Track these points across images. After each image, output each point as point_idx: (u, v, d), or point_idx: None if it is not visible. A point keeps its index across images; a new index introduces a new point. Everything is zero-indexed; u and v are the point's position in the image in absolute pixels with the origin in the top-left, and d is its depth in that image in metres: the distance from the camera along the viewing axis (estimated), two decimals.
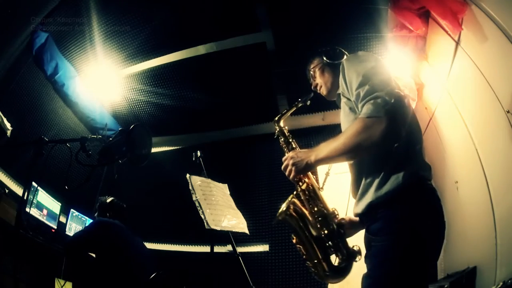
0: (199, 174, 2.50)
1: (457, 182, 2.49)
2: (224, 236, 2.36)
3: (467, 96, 2.35)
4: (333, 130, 3.95)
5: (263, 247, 3.72)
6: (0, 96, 2.84)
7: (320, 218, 1.27)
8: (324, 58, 1.52)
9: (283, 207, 1.28)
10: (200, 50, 3.37)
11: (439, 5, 2.24)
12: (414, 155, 1.18)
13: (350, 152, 1.14)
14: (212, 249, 2.42)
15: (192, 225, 2.62)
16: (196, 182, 2.35)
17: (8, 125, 2.50)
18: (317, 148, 1.23)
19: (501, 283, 1.68)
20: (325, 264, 1.21)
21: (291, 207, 1.28)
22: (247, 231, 2.42)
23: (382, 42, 3.01)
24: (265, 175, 4.04)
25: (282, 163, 1.32)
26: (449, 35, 2.35)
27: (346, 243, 1.24)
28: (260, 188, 4.01)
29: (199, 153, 2.66)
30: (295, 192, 1.33)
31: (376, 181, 1.14)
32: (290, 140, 1.53)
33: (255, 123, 4.29)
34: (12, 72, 2.96)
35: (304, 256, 1.27)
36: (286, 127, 1.58)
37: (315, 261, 1.23)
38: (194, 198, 2.23)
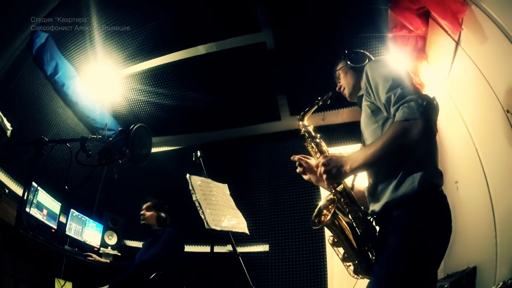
0: (199, 174, 2.50)
1: (457, 182, 2.49)
2: (224, 236, 2.36)
3: (467, 96, 2.35)
4: (333, 130, 3.96)
5: (263, 247, 3.72)
6: (0, 96, 2.84)
7: (356, 218, 1.28)
8: (348, 62, 1.58)
9: (326, 213, 1.30)
10: (200, 50, 3.37)
11: (439, 5, 2.24)
12: (430, 161, 1.22)
13: (389, 157, 1.18)
14: (212, 249, 2.43)
15: (192, 225, 2.62)
16: (196, 182, 2.35)
17: (8, 125, 2.50)
18: (352, 156, 1.24)
19: (501, 283, 1.68)
20: (364, 262, 1.25)
21: (337, 213, 1.27)
22: (247, 231, 2.42)
23: (382, 42, 3.01)
24: (265, 175, 4.04)
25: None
26: (449, 35, 2.35)
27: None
28: (260, 188, 4.01)
29: (199, 153, 2.66)
30: (333, 196, 1.32)
31: (393, 184, 1.19)
32: (318, 140, 1.51)
33: (255, 123, 4.28)
34: (12, 72, 2.96)
35: (340, 256, 1.33)
36: (311, 126, 1.57)
37: (356, 261, 1.27)
38: (194, 198, 2.23)
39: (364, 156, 1.20)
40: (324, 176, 1.25)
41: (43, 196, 2.97)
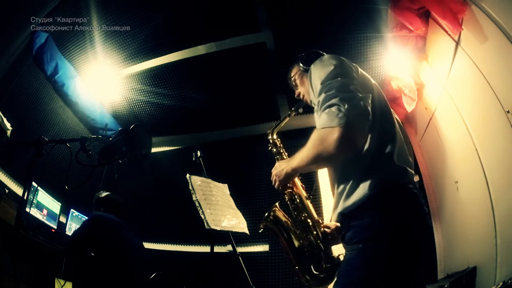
0: (199, 174, 2.49)
1: (457, 182, 2.49)
2: (224, 236, 2.36)
3: (467, 96, 2.35)
4: None
5: (263, 247, 3.72)
6: (0, 96, 2.84)
7: (302, 228, 1.31)
8: (301, 65, 1.49)
9: (265, 215, 1.36)
10: (200, 50, 3.37)
11: (439, 5, 2.24)
12: (384, 159, 1.11)
13: (313, 163, 1.15)
14: (212, 249, 2.42)
15: (192, 225, 2.62)
16: (196, 182, 2.35)
17: (8, 125, 2.50)
18: (293, 157, 1.25)
19: (501, 283, 1.68)
20: (305, 272, 1.26)
21: (271, 216, 1.36)
22: (247, 231, 2.42)
23: (382, 42, 3.01)
24: (265, 175, 4.00)
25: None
26: (449, 35, 2.35)
27: (328, 253, 1.25)
28: (260, 188, 4.01)
29: (199, 153, 2.67)
30: (278, 202, 1.41)
31: (345, 191, 1.11)
32: (281, 151, 1.58)
33: (255, 123, 4.28)
34: (12, 72, 2.96)
35: (290, 262, 1.34)
36: (279, 139, 1.63)
37: (297, 267, 1.29)
38: (194, 198, 2.23)
39: (298, 159, 1.20)
40: (275, 179, 1.33)
41: (43, 196, 2.97)
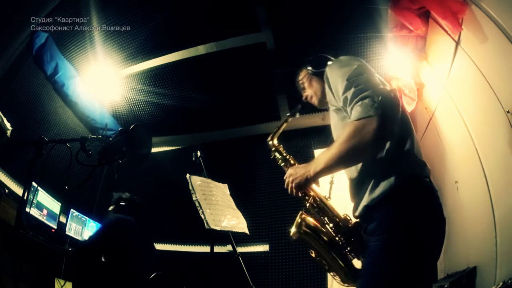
0: (199, 174, 2.50)
1: (457, 182, 2.49)
2: (224, 236, 2.36)
3: (467, 96, 2.35)
4: None
5: (263, 247, 3.72)
6: (0, 96, 2.84)
7: (333, 227, 1.27)
8: (309, 68, 1.52)
9: (294, 226, 1.29)
10: (200, 50, 3.37)
11: (439, 5, 2.24)
12: (406, 153, 1.17)
13: (347, 158, 1.14)
14: (212, 249, 2.43)
15: (192, 225, 2.62)
16: (196, 182, 2.35)
17: (8, 125, 2.50)
18: (315, 160, 1.22)
19: (501, 283, 1.68)
20: (348, 270, 1.23)
21: (303, 224, 1.29)
22: (247, 231, 2.42)
23: (382, 42, 3.01)
24: (265, 175, 4.04)
25: (283, 182, 1.31)
26: (449, 35, 2.35)
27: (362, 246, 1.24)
28: (260, 188, 4.01)
29: (199, 153, 2.67)
30: (304, 209, 1.34)
31: (370, 184, 1.14)
32: (287, 157, 1.49)
33: (255, 123, 4.29)
34: (12, 72, 2.96)
35: (326, 267, 1.28)
36: (281, 145, 1.55)
37: (338, 269, 1.24)
38: (194, 198, 2.24)
39: (324, 159, 1.17)
40: (291, 186, 1.26)
41: (43, 196, 2.97)
